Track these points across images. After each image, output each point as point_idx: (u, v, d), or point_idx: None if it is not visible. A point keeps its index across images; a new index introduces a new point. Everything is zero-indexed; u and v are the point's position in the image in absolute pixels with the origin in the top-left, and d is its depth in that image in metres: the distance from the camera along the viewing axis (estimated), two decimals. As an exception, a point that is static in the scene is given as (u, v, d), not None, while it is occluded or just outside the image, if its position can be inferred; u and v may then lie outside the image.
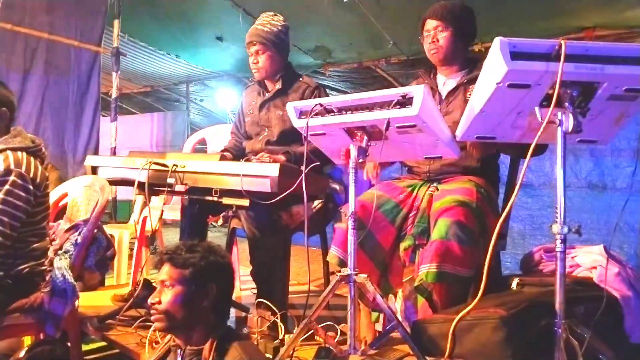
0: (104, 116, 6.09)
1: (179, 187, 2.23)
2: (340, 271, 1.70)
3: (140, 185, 2.05)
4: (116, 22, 5.48)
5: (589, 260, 1.89)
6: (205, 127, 5.47)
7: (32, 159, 1.90)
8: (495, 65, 1.35)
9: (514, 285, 1.84)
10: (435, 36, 2.02)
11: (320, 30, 5.33)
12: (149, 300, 1.41)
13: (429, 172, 2.06)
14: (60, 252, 2.01)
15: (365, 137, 1.63)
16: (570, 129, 1.35)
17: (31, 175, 1.86)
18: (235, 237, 2.84)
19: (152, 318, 1.41)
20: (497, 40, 1.33)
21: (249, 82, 6.94)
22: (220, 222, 2.61)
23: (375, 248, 1.97)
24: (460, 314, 1.51)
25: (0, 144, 1.89)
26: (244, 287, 2.88)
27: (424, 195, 1.98)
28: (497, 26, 3.98)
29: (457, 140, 1.68)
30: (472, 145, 1.83)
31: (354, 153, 1.65)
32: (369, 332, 2.05)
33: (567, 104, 1.36)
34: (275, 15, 2.44)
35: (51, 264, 1.99)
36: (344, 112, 1.62)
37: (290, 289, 2.39)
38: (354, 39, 5.37)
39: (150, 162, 2.03)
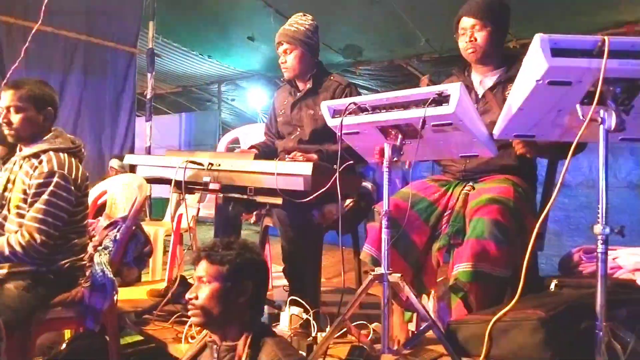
0: (138, 116, 6.24)
1: (213, 186, 2.27)
2: (373, 270, 1.70)
3: (177, 184, 2.09)
4: (151, 24, 5.61)
5: (632, 262, 1.84)
6: (237, 126, 5.55)
7: (73, 159, 1.96)
8: (535, 63, 1.32)
9: (552, 286, 1.80)
10: (472, 35, 1.99)
11: (350, 28, 5.33)
12: (187, 296, 1.44)
13: (464, 171, 2.04)
14: (99, 248, 2.07)
15: (400, 136, 1.62)
16: (612, 127, 1.31)
17: (73, 176, 1.92)
18: (267, 235, 2.87)
19: (189, 313, 1.44)
20: (537, 37, 1.30)
21: (280, 82, 7.02)
22: (253, 220, 2.63)
23: (409, 247, 1.95)
24: (498, 315, 1.48)
25: (44, 144, 1.95)
26: (276, 285, 2.90)
27: (459, 195, 1.96)
28: (533, 22, 3.89)
29: (494, 138, 1.65)
30: (522, 146, 1.79)
31: (388, 152, 1.64)
32: (401, 332, 2.04)
33: (609, 101, 1.32)
34: (304, 15, 2.46)
35: (91, 259, 2.05)
36: (378, 111, 1.61)
37: (322, 287, 2.40)
38: (385, 36, 5.35)
39: (186, 161, 2.07)
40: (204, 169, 2.10)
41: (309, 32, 2.38)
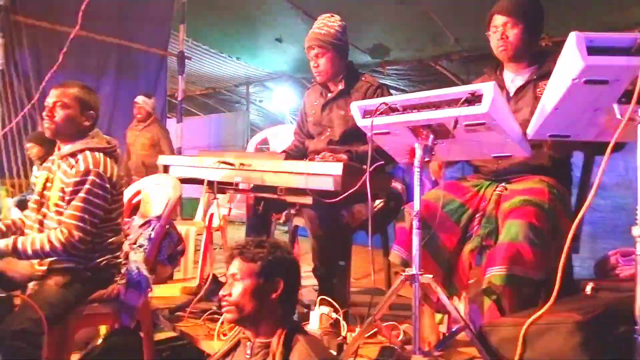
0: (169, 117, 6.37)
1: (244, 185, 2.30)
2: (404, 271, 1.70)
3: (209, 183, 2.13)
4: (181, 27, 5.71)
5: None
6: (265, 127, 5.60)
7: (108, 159, 2.01)
8: (570, 61, 1.30)
9: (588, 289, 1.76)
10: (504, 32, 1.96)
11: (378, 28, 5.32)
12: (220, 293, 1.46)
13: (496, 172, 2.01)
14: (134, 246, 2.12)
15: (431, 136, 1.61)
16: (652, 127, 1.28)
17: (108, 175, 1.97)
18: (296, 235, 2.89)
19: (223, 310, 1.46)
20: (573, 35, 1.28)
21: (307, 83, 7.04)
22: (282, 219, 2.66)
23: (439, 249, 1.94)
24: (532, 317, 1.46)
25: (80, 144, 2.01)
26: (305, 284, 2.92)
27: (491, 196, 1.93)
28: (566, 20, 3.81)
29: (528, 138, 1.62)
30: (548, 145, 1.76)
31: (419, 152, 1.63)
32: (432, 334, 2.02)
33: (648, 99, 1.29)
34: (332, 16, 2.45)
35: (126, 257, 2.11)
36: (410, 111, 1.61)
37: (351, 287, 2.41)
38: (413, 36, 5.32)
39: (218, 161, 2.11)
40: (235, 169, 2.13)
41: (338, 33, 2.38)
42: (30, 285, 2.00)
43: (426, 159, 1.63)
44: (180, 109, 5.85)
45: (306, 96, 2.68)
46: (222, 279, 2.40)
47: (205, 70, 7.72)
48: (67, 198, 1.92)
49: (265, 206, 2.40)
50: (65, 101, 1.98)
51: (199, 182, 2.34)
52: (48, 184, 2.03)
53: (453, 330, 1.68)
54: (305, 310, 2.43)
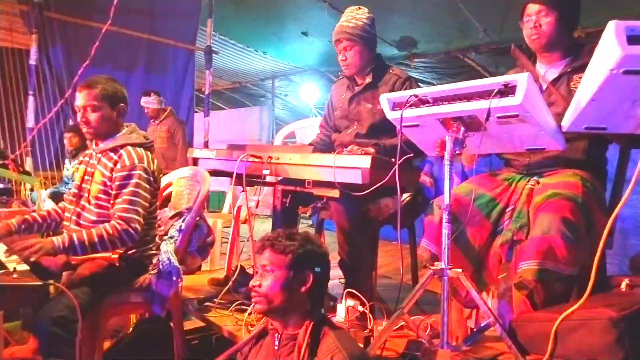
0: (196, 112, 6.45)
1: (272, 178, 2.32)
2: (433, 265, 1.68)
3: (238, 177, 2.15)
4: (209, 21, 5.76)
5: None
6: (290, 121, 5.62)
7: (148, 153, 2.06)
8: (608, 51, 1.26)
9: (623, 286, 1.72)
10: (537, 21, 1.91)
11: (405, 20, 5.27)
12: (251, 283, 1.48)
13: (528, 165, 1.97)
14: (165, 237, 2.16)
15: (462, 128, 1.59)
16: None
17: (151, 169, 2.03)
18: (322, 229, 2.90)
19: (252, 300, 1.47)
20: (612, 24, 1.24)
21: (333, 77, 7.02)
22: (309, 213, 2.66)
23: (469, 243, 1.91)
24: (565, 313, 1.44)
25: (120, 139, 2.06)
26: (331, 277, 2.93)
27: (523, 189, 1.90)
28: (599, 10, 3.70)
29: (563, 131, 1.59)
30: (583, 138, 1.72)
31: (449, 144, 1.62)
32: (460, 328, 2.00)
33: (692, 90, 1.24)
34: (359, 8, 2.43)
35: (158, 248, 2.15)
36: (440, 103, 1.59)
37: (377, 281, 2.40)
38: (441, 28, 5.25)
39: (247, 155, 2.12)
40: (263, 162, 2.14)
41: (367, 26, 2.37)
42: (65, 274, 2.07)
43: (457, 152, 1.62)
44: (208, 103, 5.91)
45: (333, 89, 2.68)
46: (249, 271, 2.43)
47: (232, 64, 7.78)
48: (113, 192, 1.97)
49: (292, 199, 2.40)
50: (94, 104, 2.01)
51: (228, 175, 2.36)
52: (86, 177, 2.08)
53: (482, 325, 1.66)
54: (332, 302, 2.44)
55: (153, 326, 2.40)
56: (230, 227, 3.61)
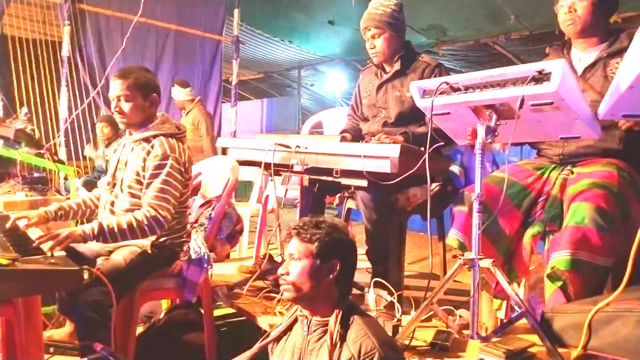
0: (223, 102, 6.50)
1: (300, 167, 2.32)
2: (462, 255, 1.67)
3: (266, 166, 2.16)
4: (236, 12, 5.78)
5: None
6: (316, 111, 5.61)
7: (180, 144, 2.09)
8: (650, 35, 1.22)
9: (660, 278, 1.67)
10: (572, 6, 1.86)
11: (434, 7, 5.18)
12: (279, 271, 1.49)
13: (562, 154, 1.92)
14: (196, 225, 2.20)
15: (495, 116, 1.57)
16: None
17: (182, 159, 2.06)
18: (349, 218, 2.90)
19: (281, 288, 1.49)
20: (655, 6, 1.19)
21: (360, 66, 6.97)
22: (336, 202, 2.67)
23: (499, 233, 1.89)
24: (600, 304, 1.40)
25: (153, 129, 2.09)
26: (359, 267, 2.93)
27: (556, 179, 1.86)
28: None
29: (599, 119, 1.54)
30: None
31: (481, 133, 1.59)
32: (489, 319, 1.99)
33: None
34: None
35: (189, 235, 2.19)
36: (472, 90, 1.57)
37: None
38: (470, 14, 5.15)
39: (275, 144, 2.13)
40: (291, 152, 2.15)
41: (395, 12, 2.34)
42: (99, 260, 2.12)
43: (488, 140, 1.59)
44: (235, 93, 5.95)
45: (361, 78, 2.66)
46: (277, 259, 2.45)
47: (258, 54, 7.80)
48: (145, 181, 2.01)
49: (319, 188, 2.40)
50: (127, 93, 2.05)
51: (257, 164, 2.38)
52: (120, 166, 2.13)
53: (513, 316, 1.64)
54: (359, 292, 2.44)
55: (184, 312, 2.44)
56: (257, 216, 3.66)
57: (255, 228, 3.50)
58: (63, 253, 1.79)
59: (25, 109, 4.32)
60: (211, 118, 5.12)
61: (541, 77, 1.42)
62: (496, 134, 1.59)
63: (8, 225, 1.96)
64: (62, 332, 2.44)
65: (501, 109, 1.56)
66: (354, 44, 6.36)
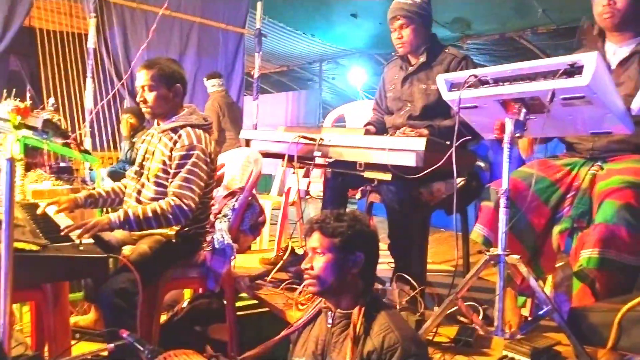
0: (245, 95, 6.52)
1: (321, 160, 2.32)
2: (489, 250, 1.65)
3: (289, 158, 2.17)
4: (259, 4, 5.78)
5: None
6: (337, 105, 5.59)
7: (206, 135, 2.11)
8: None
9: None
10: (611, -2, 1.81)
11: (459, 0, 5.10)
12: (302, 266, 1.49)
13: (592, 150, 1.88)
14: (219, 215, 2.22)
15: (524, 110, 1.54)
16: None
17: (208, 150, 2.08)
18: (372, 212, 2.88)
19: (305, 282, 1.49)
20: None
21: (382, 59, 6.92)
22: (358, 195, 2.66)
23: (526, 229, 1.86)
24: (632, 303, 1.37)
25: (180, 120, 2.11)
26: (380, 261, 2.92)
27: (585, 175, 1.82)
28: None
29: (632, 114, 1.51)
30: None
31: (509, 127, 1.57)
32: (514, 317, 1.96)
33: None
34: None
35: (212, 226, 2.21)
36: (501, 83, 1.54)
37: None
38: (496, 8, 5.06)
39: (299, 136, 2.13)
40: (315, 144, 2.15)
41: (424, 3, 2.31)
42: (124, 249, 2.16)
43: (517, 135, 1.56)
44: (257, 86, 5.96)
45: (385, 71, 2.63)
46: (299, 251, 2.46)
47: (280, 48, 7.80)
48: (172, 171, 2.03)
49: (342, 182, 2.40)
50: (151, 83, 2.08)
51: (279, 156, 2.39)
52: (147, 156, 2.16)
53: (539, 313, 1.61)
54: (381, 286, 2.43)
55: (207, 301, 2.47)
56: (278, 209, 3.67)
57: (276, 221, 3.51)
58: (91, 241, 1.83)
59: (52, 100, 4.39)
60: (222, 110, 5.09)
61: (573, 71, 1.39)
62: (525, 128, 1.57)
63: (38, 212, 2.00)
64: (88, 318, 2.49)
65: (531, 102, 1.53)
66: (377, 37, 6.31)
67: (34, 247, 1.63)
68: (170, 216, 1.95)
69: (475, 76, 1.57)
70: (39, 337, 2.29)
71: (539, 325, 1.78)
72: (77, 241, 1.77)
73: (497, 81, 1.55)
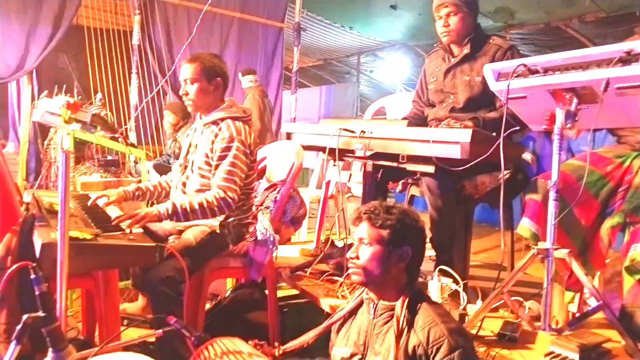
0: (283, 89, 6.56)
1: (361, 153, 2.31)
2: (535, 244, 1.61)
3: (330, 151, 2.17)
4: (298, -2, 5.79)
5: None
6: (375, 98, 5.55)
7: (246, 127, 2.15)
8: None
9: None
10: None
11: (503, -11, 4.97)
12: (348, 255, 1.48)
13: (645, 142, 1.81)
14: (261, 207, 2.25)
15: (575, 100, 1.49)
16: None
17: (248, 142, 2.12)
18: (412, 205, 2.86)
19: (350, 272, 1.48)
20: None
21: (422, 51, 6.82)
22: (399, 188, 2.64)
23: (574, 223, 1.81)
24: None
25: (221, 112, 2.16)
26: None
27: (638, 168, 1.75)
28: None
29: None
30: None
31: (560, 118, 1.52)
32: (561, 312, 1.92)
33: None
34: None
35: (255, 217, 2.24)
36: (552, 73, 1.50)
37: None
38: (541, -4, 4.90)
39: (340, 129, 2.14)
40: (357, 137, 2.15)
41: None
42: (171, 239, 2.22)
43: (568, 126, 1.52)
44: (295, 80, 5.99)
45: (427, 62, 2.60)
46: (339, 244, 2.47)
47: (318, 41, 7.79)
48: (214, 163, 2.09)
49: (383, 174, 2.38)
50: (193, 77, 2.13)
51: (320, 149, 2.40)
52: (191, 149, 2.21)
53: (589, 309, 1.57)
54: (421, 279, 2.42)
55: (249, 291, 2.52)
56: (316, 202, 3.69)
57: (314, 214, 3.53)
58: (140, 230, 1.89)
59: (99, 95, 4.55)
60: (262, 104, 5.16)
61: (629, 59, 1.34)
62: (576, 119, 1.52)
63: (89, 203, 2.09)
64: (135, 306, 2.58)
65: (583, 92, 1.49)
66: (417, 28, 6.23)
67: (88, 236, 1.69)
68: (216, 208, 2.01)
69: (525, 65, 1.53)
70: (90, 323, 2.40)
71: (589, 321, 1.73)
72: (127, 231, 1.84)
73: (547, 70, 1.51)
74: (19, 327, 1.07)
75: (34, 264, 1.10)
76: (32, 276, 1.08)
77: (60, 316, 1.31)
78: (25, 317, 1.07)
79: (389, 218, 1.43)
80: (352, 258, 1.46)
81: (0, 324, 1.66)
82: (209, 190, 2.07)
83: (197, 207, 2.00)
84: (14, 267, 1.13)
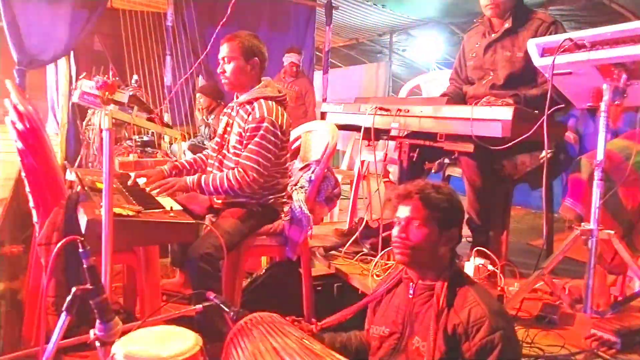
0: (315, 69, 6.52)
1: (395, 132, 2.28)
2: (579, 225, 1.57)
3: (366, 130, 2.15)
4: (330, -25, 5.70)
5: None
6: (407, 78, 5.44)
7: (279, 107, 2.15)
8: None
9: None
10: None
11: (543, -37, 4.76)
12: (396, 233, 1.45)
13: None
14: (296, 187, 2.26)
15: (624, 75, 1.43)
16: None
17: (279, 122, 2.11)
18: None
19: (395, 250, 1.46)
20: None
21: (457, 29, 6.64)
22: (435, 169, 2.60)
23: (620, 204, 1.75)
24: None
25: (256, 92, 2.16)
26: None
27: (689, 148, 1.68)
28: None
29: None
30: None
31: (607, 94, 1.47)
32: (602, 295, 1.87)
33: None
34: None
35: (290, 197, 2.26)
36: (599, 47, 1.44)
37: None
38: (584, -31, 4.67)
39: (376, 108, 2.11)
40: (393, 115, 2.12)
41: None
42: (208, 217, 2.26)
43: (616, 103, 1.46)
44: (327, 60, 5.93)
45: (466, 39, 2.53)
46: (373, 225, 2.46)
47: (350, 20, 7.66)
48: (244, 142, 2.10)
49: (419, 154, 2.35)
50: (230, 55, 2.14)
51: (355, 129, 2.38)
52: (228, 129, 2.23)
53: (635, 292, 1.53)
54: (457, 260, 2.39)
55: (283, 269, 2.55)
56: (347, 183, 3.68)
57: (345, 195, 3.51)
58: (180, 208, 1.93)
59: (135, 77, 4.63)
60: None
61: (686, 30, 1.27)
62: (625, 95, 1.46)
63: (129, 182, 2.14)
64: (174, 282, 2.66)
65: (632, 67, 1.43)
66: (452, 5, 6.04)
67: (130, 212, 1.74)
68: (235, 187, 2.05)
69: (571, 40, 1.47)
70: (130, 298, 2.48)
71: (630, 305, 1.69)
72: (168, 208, 1.88)
73: (594, 45, 1.45)
74: (69, 298, 1.10)
75: (81, 239, 1.13)
76: (80, 250, 1.11)
77: (107, 289, 1.35)
78: (74, 289, 1.11)
79: (440, 199, 1.41)
80: (401, 238, 1.43)
81: (49, 297, 1.73)
82: None
83: (218, 183, 2.06)
84: (62, 241, 1.16)
